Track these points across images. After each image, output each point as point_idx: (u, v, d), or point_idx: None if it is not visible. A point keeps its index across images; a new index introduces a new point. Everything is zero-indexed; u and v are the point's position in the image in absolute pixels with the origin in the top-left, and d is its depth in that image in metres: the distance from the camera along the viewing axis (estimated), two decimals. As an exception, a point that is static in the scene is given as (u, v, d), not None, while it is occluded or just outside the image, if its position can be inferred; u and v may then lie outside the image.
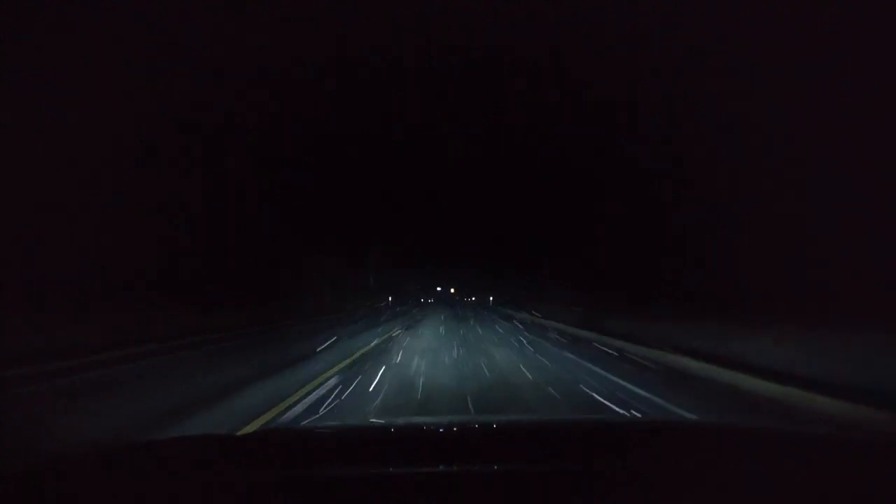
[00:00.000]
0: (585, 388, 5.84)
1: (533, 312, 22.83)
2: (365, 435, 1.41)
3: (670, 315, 10.16)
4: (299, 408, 4.75)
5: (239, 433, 3.30)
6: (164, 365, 7.61)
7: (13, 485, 0.88)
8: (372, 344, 10.70)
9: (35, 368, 6.05)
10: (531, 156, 26.73)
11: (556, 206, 23.44)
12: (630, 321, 11.53)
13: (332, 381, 6.08)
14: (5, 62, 7.83)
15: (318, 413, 4.53)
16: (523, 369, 7.26)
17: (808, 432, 1.64)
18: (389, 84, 23.09)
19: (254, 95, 15.05)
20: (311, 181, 22.38)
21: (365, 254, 35.36)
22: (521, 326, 17.36)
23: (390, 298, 43.40)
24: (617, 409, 4.83)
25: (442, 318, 23.75)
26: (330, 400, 5.07)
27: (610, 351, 9.86)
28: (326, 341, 10.46)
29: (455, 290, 70.49)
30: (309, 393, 5.42)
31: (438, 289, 68.54)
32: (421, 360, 8.16)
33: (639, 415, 4.48)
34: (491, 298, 51.31)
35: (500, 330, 15.89)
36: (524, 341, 11.84)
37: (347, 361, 7.90)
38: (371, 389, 5.67)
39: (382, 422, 2.72)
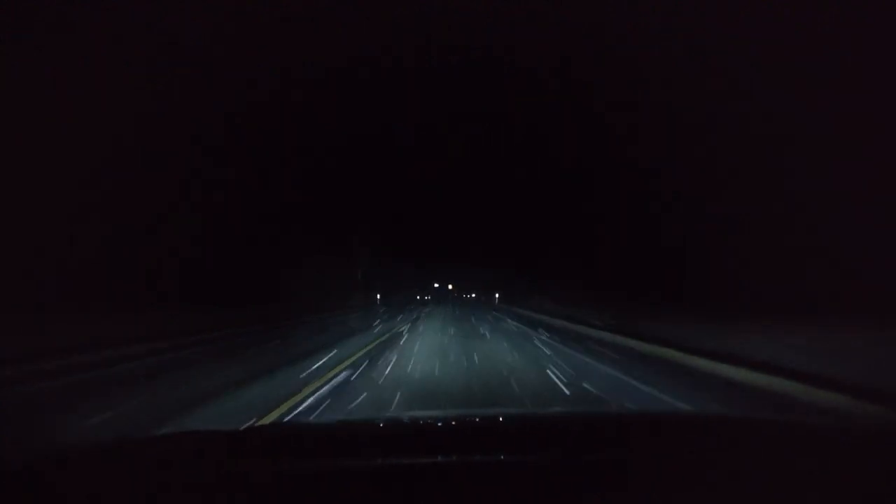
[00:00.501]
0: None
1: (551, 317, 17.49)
2: (363, 429, 1.41)
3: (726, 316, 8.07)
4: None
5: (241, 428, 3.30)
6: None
7: (13, 481, 0.88)
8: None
9: (54, 363, 6.08)
10: (531, 156, 26.83)
11: (555, 206, 23.44)
12: (675, 326, 9.16)
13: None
14: (5, 62, 7.84)
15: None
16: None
17: (813, 424, 1.64)
18: (390, 84, 23.18)
19: (254, 96, 15.06)
20: (310, 180, 22.37)
21: (351, 250, 29.54)
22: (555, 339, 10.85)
23: (378, 296, 34.59)
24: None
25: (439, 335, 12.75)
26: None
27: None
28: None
29: (453, 287, 70.82)
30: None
31: (436, 285, 68.69)
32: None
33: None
34: (497, 296, 45.16)
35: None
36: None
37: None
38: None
39: (381, 416, 2.72)
